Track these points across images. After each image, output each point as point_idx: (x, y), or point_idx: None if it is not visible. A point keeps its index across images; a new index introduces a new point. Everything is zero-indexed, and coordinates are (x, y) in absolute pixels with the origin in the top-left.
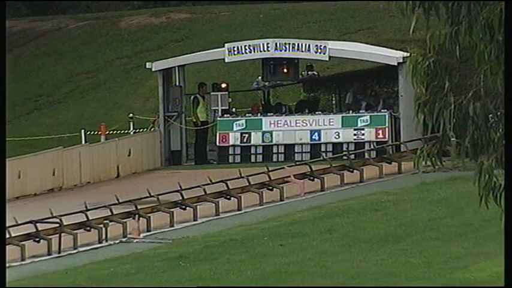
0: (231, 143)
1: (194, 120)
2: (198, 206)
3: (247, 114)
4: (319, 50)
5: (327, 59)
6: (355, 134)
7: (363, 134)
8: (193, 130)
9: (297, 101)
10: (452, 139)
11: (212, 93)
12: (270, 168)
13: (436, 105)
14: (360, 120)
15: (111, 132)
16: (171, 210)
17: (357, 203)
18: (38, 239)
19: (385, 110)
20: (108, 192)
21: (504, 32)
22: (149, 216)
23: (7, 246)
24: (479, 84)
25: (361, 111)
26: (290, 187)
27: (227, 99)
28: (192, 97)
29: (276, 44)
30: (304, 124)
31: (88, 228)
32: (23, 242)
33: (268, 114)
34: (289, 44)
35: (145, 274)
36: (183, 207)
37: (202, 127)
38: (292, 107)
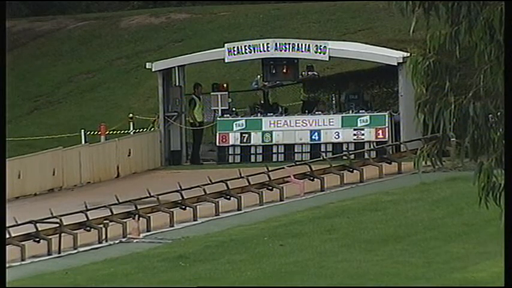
0: (230, 143)
1: (191, 120)
2: (197, 206)
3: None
4: (319, 50)
5: (327, 59)
6: (355, 134)
7: (363, 134)
8: (191, 130)
9: (305, 100)
10: (452, 139)
11: (212, 93)
12: (269, 168)
13: (436, 105)
14: (360, 120)
15: (111, 132)
16: (171, 210)
17: (357, 203)
18: (38, 239)
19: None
20: (108, 192)
21: (504, 32)
22: (149, 216)
23: (7, 246)
24: (479, 84)
25: (361, 111)
26: (290, 187)
27: (227, 99)
28: (189, 98)
29: (276, 44)
30: (304, 124)
31: (88, 228)
32: (23, 242)
33: (268, 114)
34: (289, 44)
35: (145, 274)
36: (183, 207)
37: (199, 128)
38: (289, 107)
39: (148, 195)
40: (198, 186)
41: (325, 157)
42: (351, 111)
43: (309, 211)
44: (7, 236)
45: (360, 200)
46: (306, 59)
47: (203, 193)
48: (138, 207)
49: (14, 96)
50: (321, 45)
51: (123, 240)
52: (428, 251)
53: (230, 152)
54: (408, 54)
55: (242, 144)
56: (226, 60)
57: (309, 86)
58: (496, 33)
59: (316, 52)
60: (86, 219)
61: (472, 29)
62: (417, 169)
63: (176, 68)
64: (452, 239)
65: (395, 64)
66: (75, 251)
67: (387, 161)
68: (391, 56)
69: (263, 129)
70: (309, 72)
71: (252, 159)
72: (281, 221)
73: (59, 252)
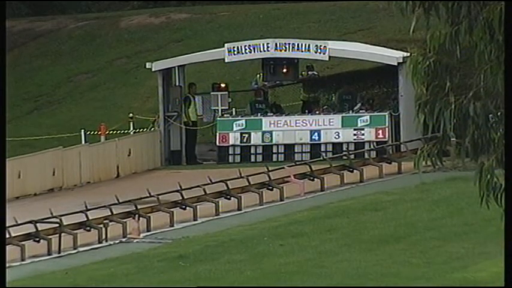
0: (231, 143)
1: (185, 120)
2: (198, 206)
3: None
4: (319, 50)
5: (327, 59)
6: (355, 134)
7: (363, 134)
8: (188, 130)
9: (305, 100)
10: (452, 139)
11: (212, 93)
12: (270, 168)
13: (436, 106)
14: (360, 120)
15: (111, 132)
16: (171, 210)
17: (357, 203)
18: (38, 239)
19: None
20: (108, 192)
21: (504, 32)
22: (149, 216)
23: (7, 246)
24: (479, 84)
25: (361, 111)
26: (290, 187)
27: (227, 99)
28: (184, 97)
29: (276, 44)
30: (304, 124)
31: (88, 228)
32: (23, 242)
33: (268, 114)
34: (289, 44)
35: (145, 274)
36: (183, 207)
37: (194, 127)
38: (289, 107)
39: (148, 195)
40: (198, 186)
41: (325, 157)
42: (350, 112)
43: (309, 211)
44: (7, 235)
45: (360, 200)
46: (306, 59)
47: (203, 193)
48: (138, 207)
49: (14, 96)
50: (321, 45)
51: (123, 240)
52: (428, 251)
53: (230, 152)
54: (408, 54)
55: (242, 144)
56: (226, 60)
57: (308, 86)
58: (496, 33)
59: (316, 52)
60: (86, 219)
61: (472, 29)
62: (417, 169)
63: (176, 68)
64: (452, 239)
65: (396, 64)
66: (75, 251)
67: (387, 161)
68: (391, 56)
69: (263, 129)
70: (309, 72)
71: (252, 159)
72: (281, 221)
73: (59, 252)
